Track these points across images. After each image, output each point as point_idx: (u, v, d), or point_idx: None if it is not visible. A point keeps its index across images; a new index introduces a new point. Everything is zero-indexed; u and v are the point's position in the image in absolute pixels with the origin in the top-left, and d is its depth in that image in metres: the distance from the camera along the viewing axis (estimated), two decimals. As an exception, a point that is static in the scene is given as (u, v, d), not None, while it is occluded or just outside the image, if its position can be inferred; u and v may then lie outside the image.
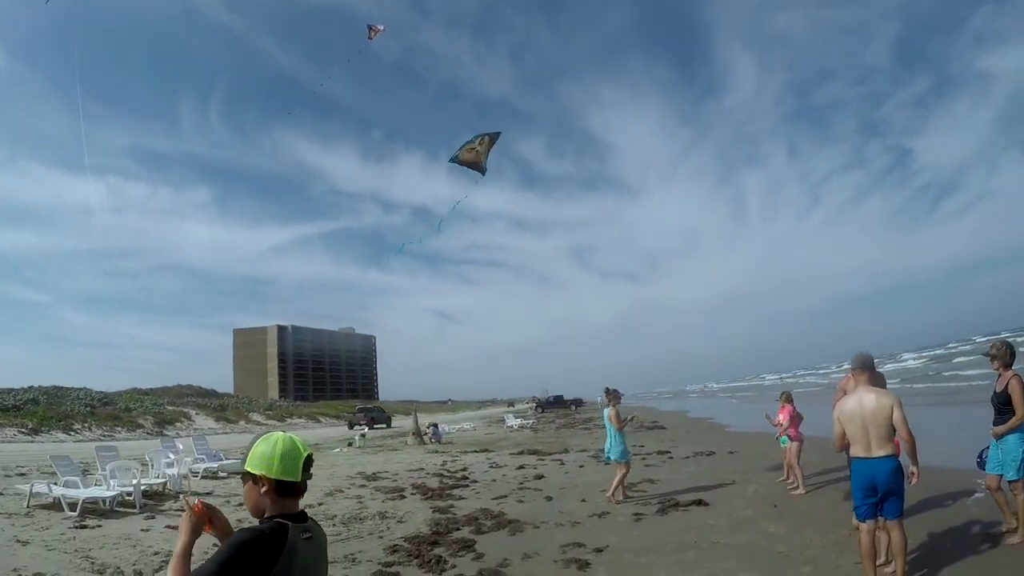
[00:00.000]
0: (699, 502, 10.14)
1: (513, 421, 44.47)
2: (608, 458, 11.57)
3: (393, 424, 53.44)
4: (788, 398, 11.67)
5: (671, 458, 16.75)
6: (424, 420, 37.64)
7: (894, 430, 5.34)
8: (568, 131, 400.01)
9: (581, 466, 16.27)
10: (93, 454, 14.60)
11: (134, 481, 12.14)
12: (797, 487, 11.05)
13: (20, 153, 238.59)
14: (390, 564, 7.56)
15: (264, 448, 2.37)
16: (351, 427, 48.66)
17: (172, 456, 16.14)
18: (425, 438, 30.11)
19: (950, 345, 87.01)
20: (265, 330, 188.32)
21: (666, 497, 10.72)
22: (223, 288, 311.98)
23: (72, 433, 38.55)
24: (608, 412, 11.51)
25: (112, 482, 12.13)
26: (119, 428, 42.86)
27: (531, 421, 47.00)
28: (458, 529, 9.29)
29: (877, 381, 6.30)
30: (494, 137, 10.83)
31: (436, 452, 23.34)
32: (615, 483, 11.06)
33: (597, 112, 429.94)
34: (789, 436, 11.21)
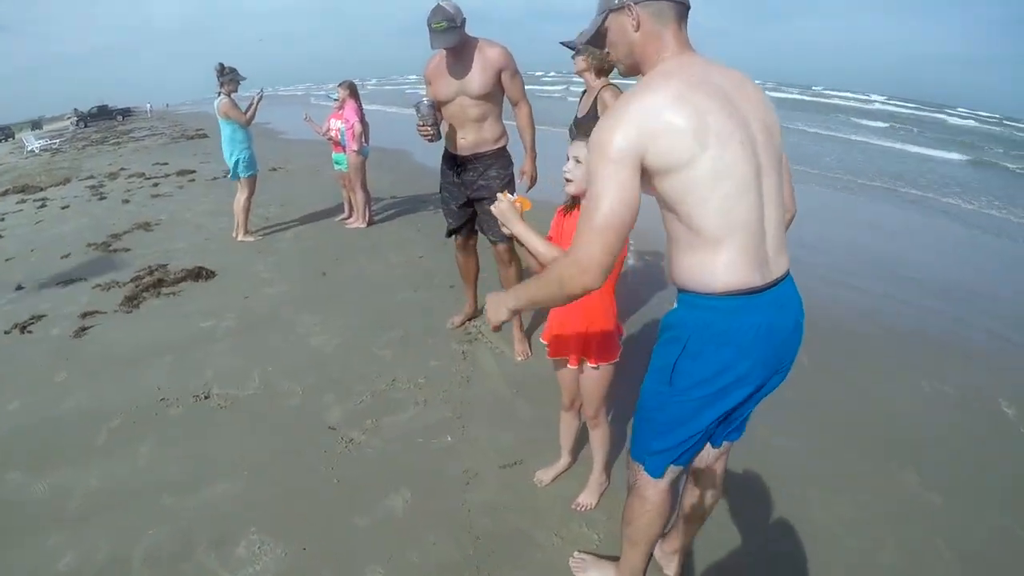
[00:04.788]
0: (200, 273, 6.07)
1: (35, 143, 34.12)
2: (235, 173, 7.22)
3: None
4: (351, 90, 7.48)
5: (192, 181, 12.03)
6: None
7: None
8: None
9: (65, 207, 10.68)
10: None
11: None
12: (354, 219, 7.72)
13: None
14: None
15: None
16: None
17: None
18: None
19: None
20: None
21: (156, 265, 6.43)
22: None
23: None
24: (220, 103, 6.98)
25: None
26: None
27: (57, 142, 36.79)
28: None
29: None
30: None
31: None
32: (239, 213, 7.33)
33: None
34: (346, 149, 7.49)
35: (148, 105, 75.49)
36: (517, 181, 4.12)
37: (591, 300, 2.24)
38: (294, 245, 7.03)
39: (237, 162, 7.07)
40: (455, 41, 3.57)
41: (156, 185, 11.63)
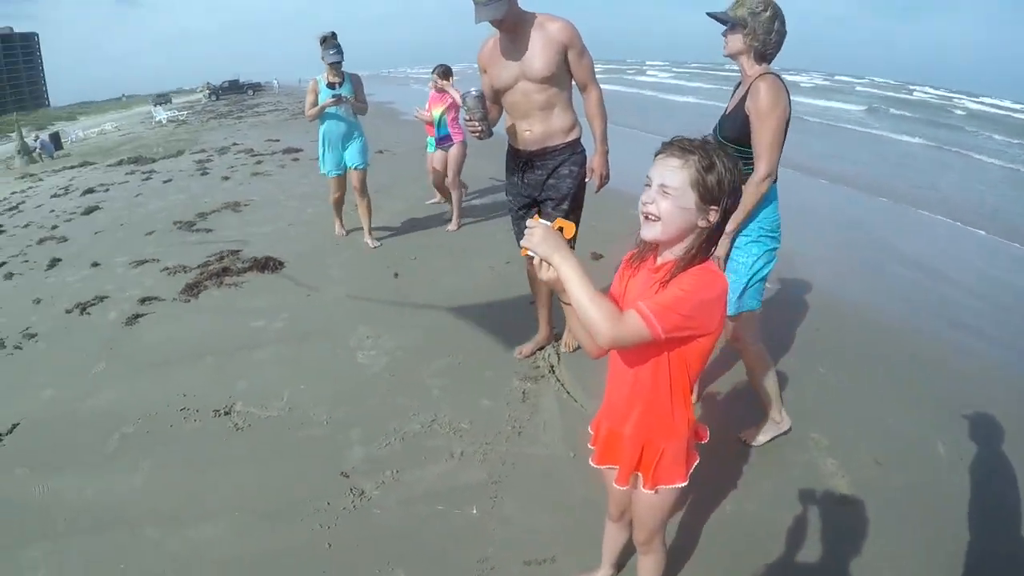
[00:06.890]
0: (268, 264, 5.75)
1: (162, 115, 35.99)
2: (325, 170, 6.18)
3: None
4: (446, 76, 6.60)
5: (296, 160, 11.89)
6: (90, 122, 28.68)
7: None
8: None
9: (167, 181, 10.69)
10: None
11: None
12: (450, 220, 7.03)
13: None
14: None
15: None
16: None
17: None
18: (36, 154, 22.96)
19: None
20: None
21: (228, 251, 6.21)
22: None
23: None
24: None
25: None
26: None
27: (184, 113, 38.51)
28: None
29: None
30: None
31: (26, 176, 15.83)
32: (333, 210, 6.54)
33: None
34: (451, 137, 6.76)
35: (275, 81, 78.86)
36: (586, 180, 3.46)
37: (662, 396, 1.54)
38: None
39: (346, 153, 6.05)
40: (503, 11, 2.95)
41: (259, 163, 11.62)
